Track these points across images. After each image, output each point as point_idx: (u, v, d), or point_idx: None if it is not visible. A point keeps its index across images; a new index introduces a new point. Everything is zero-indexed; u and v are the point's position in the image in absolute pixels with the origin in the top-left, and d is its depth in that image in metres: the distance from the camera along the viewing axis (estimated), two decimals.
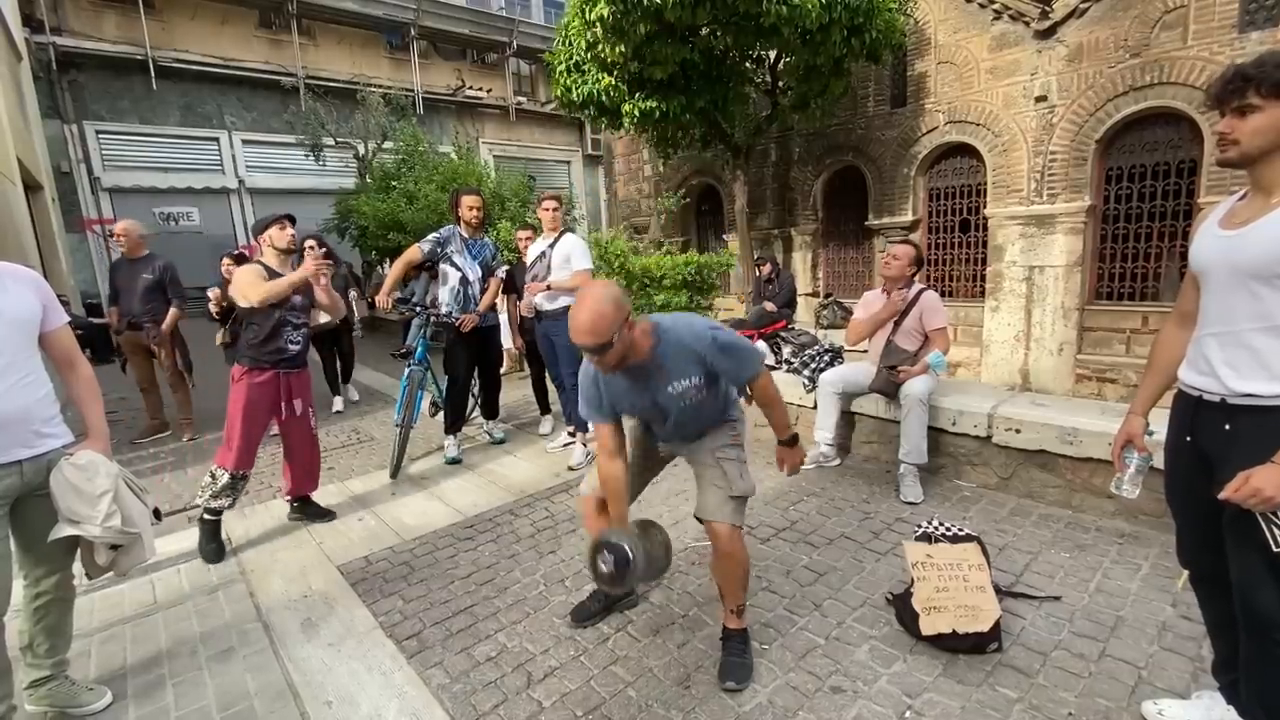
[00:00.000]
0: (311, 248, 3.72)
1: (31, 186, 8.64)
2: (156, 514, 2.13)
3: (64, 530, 1.83)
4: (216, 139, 14.97)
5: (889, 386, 3.48)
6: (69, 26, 13.05)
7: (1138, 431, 1.82)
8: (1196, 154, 5.89)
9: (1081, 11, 6.19)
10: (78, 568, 1.98)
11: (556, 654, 2.18)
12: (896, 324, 3.52)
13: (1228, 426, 1.51)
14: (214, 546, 2.99)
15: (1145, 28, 5.86)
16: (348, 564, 2.90)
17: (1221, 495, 1.38)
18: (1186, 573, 1.78)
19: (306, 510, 3.40)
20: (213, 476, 2.98)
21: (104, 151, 13.61)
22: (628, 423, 2.21)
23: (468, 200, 4.04)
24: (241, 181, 15.30)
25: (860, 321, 3.66)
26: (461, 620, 2.41)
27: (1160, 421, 2.69)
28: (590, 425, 4.09)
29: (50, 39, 12.37)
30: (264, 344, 3.02)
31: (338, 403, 5.92)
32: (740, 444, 2.12)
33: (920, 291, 3.53)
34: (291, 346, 3.10)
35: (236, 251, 5.40)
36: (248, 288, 2.95)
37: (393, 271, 4.08)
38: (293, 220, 3.14)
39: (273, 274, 3.03)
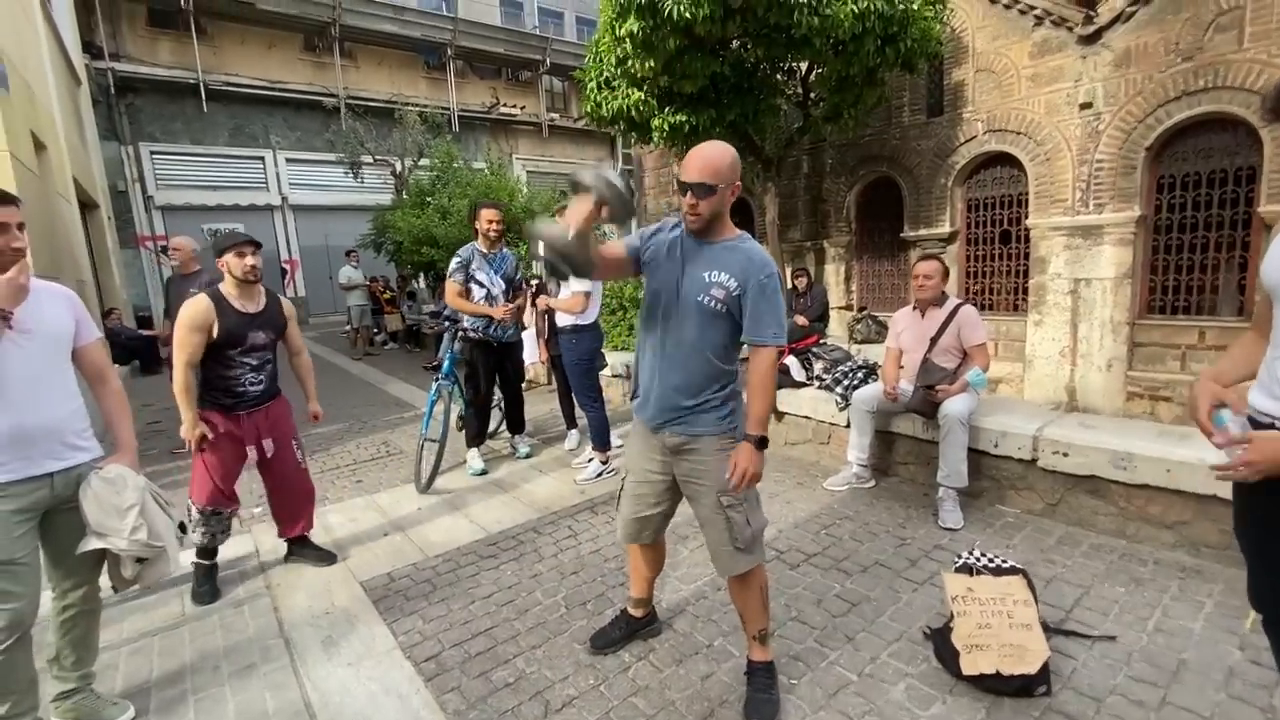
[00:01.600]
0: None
1: (88, 205, 9.05)
2: (182, 527, 2.14)
3: (92, 543, 1.85)
4: (262, 158, 15.57)
5: (926, 406, 3.34)
6: (126, 52, 13.76)
7: (1223, 389, 1.51)
8: (1255, 160, 5.59)
9: (1129, 16, 5.96)
10: (104, 580, 2.00)
11: (576, 682, 2.11)
12: (934, 341, 3.38)
13: None
14: (205, 590, 2.76)
15: (1198, 30, 5.61)
16: (371, 580, 2.89)
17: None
18: (1255, 613, 1.63)
19: (303, 553, 3.08)
20: (187, 510, 2.75)
21: (157, 171, 14.26)
22: (633, 446, 2.08)
23: (487, 214, 4.05)
24: (285, 198, 15.86)
25: (888, 372, 3.55)
26: (481, 642, 2.37)
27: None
28: (609, 443, 4.11)
29: (109, 64, 13.05)
30: (218, 387, 2.71)
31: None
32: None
33: (958, 306, 3.39)
34: (252, 388, 2.76)
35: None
36: (177, 352, 2.59)
37: (468, 308, 4.05)
38: (256, 246, 2.74)
39: (226, 311, 2.64)
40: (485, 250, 4.07)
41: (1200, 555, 2.66)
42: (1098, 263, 6.45)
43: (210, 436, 2.67)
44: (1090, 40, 6.23)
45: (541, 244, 1.69)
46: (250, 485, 2.96)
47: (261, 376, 2.81)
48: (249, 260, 2.68)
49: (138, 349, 9.47)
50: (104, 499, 1.87)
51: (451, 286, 4.00)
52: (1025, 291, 7.18)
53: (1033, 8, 6.59)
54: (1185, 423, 5.85)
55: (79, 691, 2.03)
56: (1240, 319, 5.90)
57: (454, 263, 4.02)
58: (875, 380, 3.91)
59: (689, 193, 1.76)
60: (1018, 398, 7.05)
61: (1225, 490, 2.52)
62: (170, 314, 5.21)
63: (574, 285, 3.89)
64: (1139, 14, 5.91)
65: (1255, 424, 1.52)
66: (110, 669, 2.30)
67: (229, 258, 2.68)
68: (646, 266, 1.92)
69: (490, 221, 4.04)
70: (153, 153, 14.15)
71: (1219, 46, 5.52)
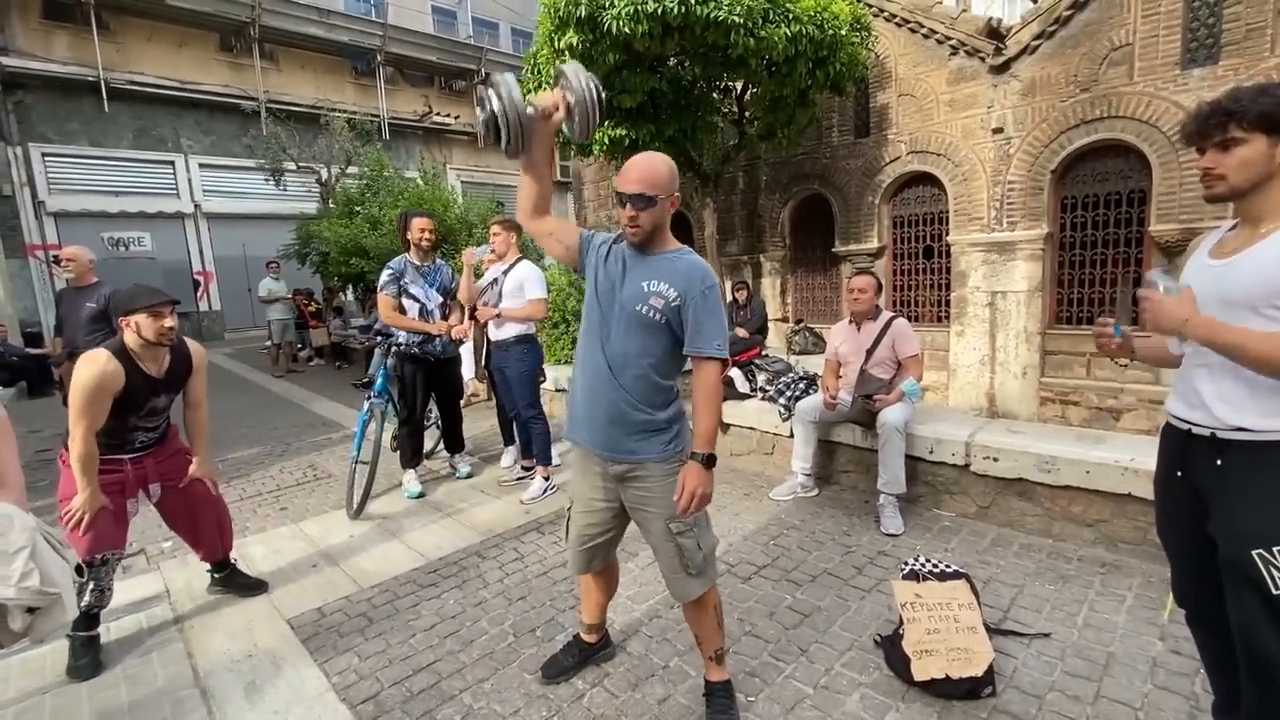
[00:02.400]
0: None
1: None
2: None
3: None
4: (172, 162, 14.56)
5: (865, 415, 3.44)
6: (16, 46, 12.61)
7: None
8: (1146, 184, 6.13)
9: (1033, 49, 6.44)
10: None
11: (527, 715, 2.02)
12: (869, 353, 3.50)
13: (1219, 461, 1.47)
14: (84, 664, 2.34)
15: (1094, 64, 6.12)
16: (298, 616, 2.68)
17: None
18: (1171, 603, 1.73)
19: (230, 583, 2.85)
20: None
21: (50, 174, 13.08)
22: (578, 487, 1.98)
23: (419, 223, 3.90)
24: (198, 206, 14.87)
25: (828, 382, 3.65)
26: (423, 678, 2.23)
27: (1148, 453, 2.71)
28: (551, 459, 4.01)
29: None
30: (101, 438, 2.31)
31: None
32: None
33: (891, 319, 3.52)
34: (140, 440, 2.49)
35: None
36: (77, 421, 2.19)
37: (405, 323, 3.85)
38: (174, 304, 2.37)
39: (133, 374, 2.31)
40: (418, 262, 3.91)
41: (1118, 551, 2.83)
42: (1012, 276, 6.89)
43: (106, 505, 2.33)
44: (1000, 70, 6.69)
45: (497, 95, 1.62)
46: (157, 519, 2.69)
47: (154, 434, 2.54)
48: (166, 322, 2.31)
49: (25, 369, 8.61)
50: None
51: (385, 300, 3.82)
52: (948, 304, 7.58)
53: (949, 38, 7.02)
54: (1093, 424, 6.31)
55: None
56: (1134, 328, 6.42)
57: (385, 275, 3.84)
58: (816, 391, 4.00)
59: (628, 204, 1.72)
60: (944, 404, 7.41)
61: (1139, 489, 2.71)
62: (62, 329, 4.74)
63: (529, 293, 3.79)
64: (1043, 47, 6.39)
65: (1171, 429, 1.62)
66: None
67: (140, 318, 2.27)
68: (586, 269, 1.89)
69: (423, 230, 3.88)
70: (45, 154, 12.97)
71: (1112, 80, 6.04)
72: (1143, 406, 6.21)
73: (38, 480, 4.84)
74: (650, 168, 1.72)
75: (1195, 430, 1.51)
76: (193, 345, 2.60)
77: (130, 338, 2.33)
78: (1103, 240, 6.56)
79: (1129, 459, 2.75)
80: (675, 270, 1.76)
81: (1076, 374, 6.68)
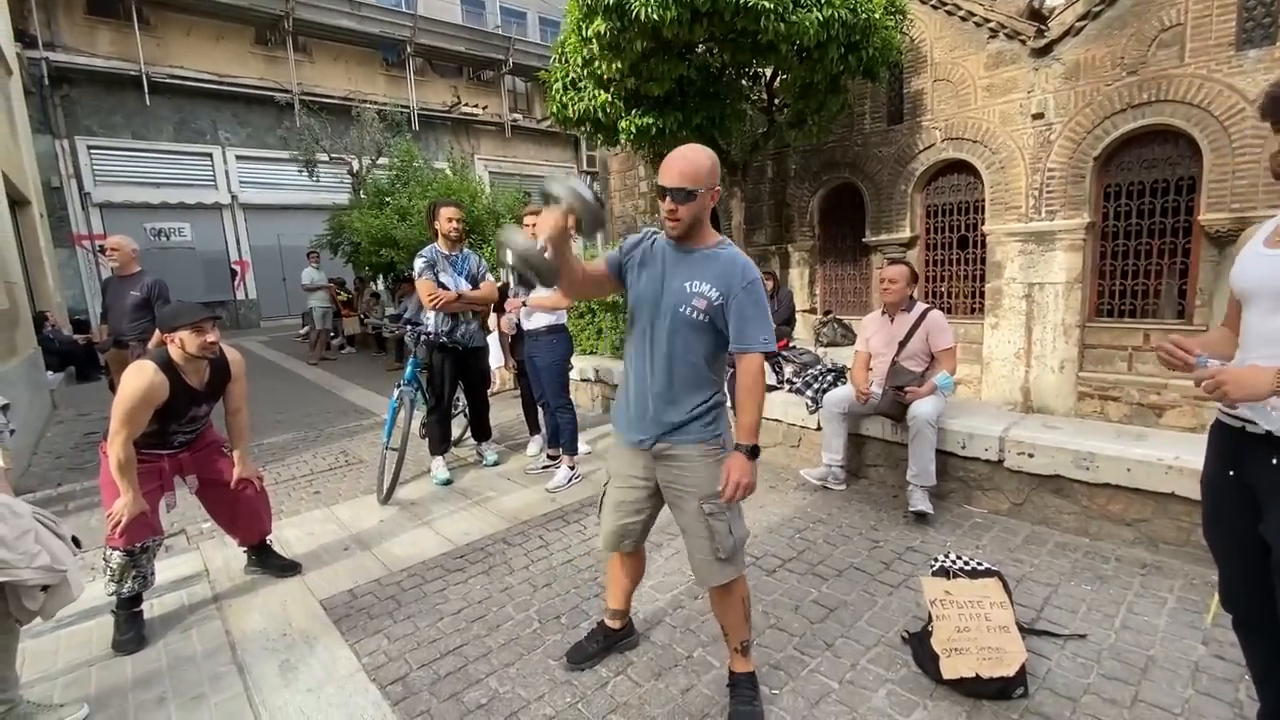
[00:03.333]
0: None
1: (19, 201, 8.50)
2: (76, 542, 1.99)
3: None
4: (210, 154, 14.93)
5: (895, 408, 3.37)
6: (62, 42, 13.02)
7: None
8: (1195, 171, 5.87)
9: (1078, 30, 6.20)
10: None
11: (552, 700, 2.04)
12: (902, 345, 3.42)
13: (1275, 461, 1.40)
14: (129, 638, 2.43)
15: (1142, 46, 5.87)
16: (331, 598, 2.74)
17: None
18: (1215, 607, 1.67)
19: (265, 563, 2.95)
20: (105, 560, 2.45)
21: (95, 166, 13.52)
22: (616, 463, 2.00)
23: (446, 212, 3.91)
24: (234, 197, 15.24)
25: (857, 376, 3.57)
26: (450, 662, 2.26)
27: (1193, 451, 2.61)
28: (578, 449, 4.03)
29: (43, 54, 12.34)
30: (142, 440, 2.42)
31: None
32: (723, 460, 1.84)
33: (926, 311, 3.44)
34: (179, 438, 2.59)
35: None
36: (118, 429, 2.27)
37: (449, 298, 3.87)
38: (215, 319, 2.48)
39: (177, 387, 2.40)
40: (446, 251, 3.94)
41: (1159, 552, 2.74)
42: (1050, 268, 6.68)
43: (145, 509, 2.42)
44: (1042, 53, 6.46)
45: (510, 252, 1.65)
46: (196, 501, 2.77)
47: (192, 436, 2.64)
48: (209, 337, 2.41)
49: (74, 355, 8.96)
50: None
51: (425, 285, 3.85)
52: (982, 295, 7.39)
53: (988, 21, 6.80)
54: (1133, 420, 6.10)
55: (8, 712, 1.88)
56: (1181, 321, 6.19)
57: (419, 263, 3.88)
58: (844, 383, 3.94)
59: (668, 197, 1.71)
60: (976, 398, 7.24)
61: (1183, 488, 2.61)
62: (108, 317, 4.90)
63: None
64: (1087, 29, 6.15)
65: (1222, 426, 1.55)
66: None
67: (184, 334, 2.37)
68: (628, 278, 1.88)
69: (450, 220, 3.90)
70: (90, 147, 13.41)
71: (1161, 62, 5.78)
72: (1187, 403, 5.98)
73: (85, 461, 5.05)
74: (693, 160, 1.71)
75: (1250, 429, 1.44)
76: (231, 354, 2.67)
77: (175, 352, 2.42)
78: (1148, 230, 6.32)
79: (1173, 456, 2.65)
80: (715, 267, 1.76)
81: (1117, 369, 6.47)
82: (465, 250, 4.06)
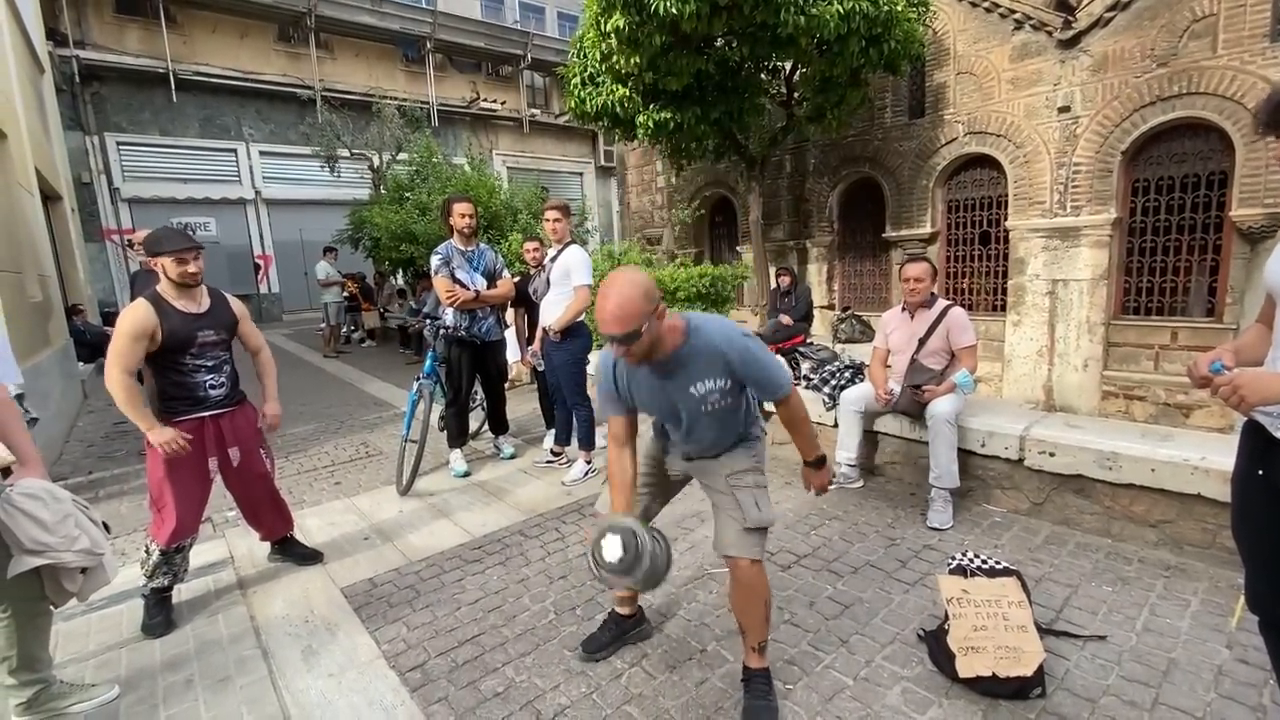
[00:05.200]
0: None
1: (51, 196, 8.72)
2: (105, 528, 2.05)
3: (26, 563, 1.75)
4: (234, 150, 15.18)
5: (913, 407, 3.34)
6: (92, 40, 13.30)
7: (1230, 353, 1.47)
8: (1227, 165, 5.73)
9: (1106, 21, 6.07)
10: None
11: (567, 690, 2.06)
12: (922, 342, 3.39)
13: None
14: (158, 622, 2.50)
15: (1173, 37, 5.73)
16: (351, 586, 2.80)
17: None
18: (1240, 610, 1.63)
19: (288, 552, 3.01)
20: (146, 551, 2.54)
21: (124, 162, 13.82)
22: (642, 444, 2.11)
23: (459, 208, 3.91)
24: (258, 192, 15.49)
25: (875, 374, 3.55)
26: (468, 651, 2.30)
27: (1220, 452, 2.56)
28: (595, 444, 4.06)
29: (74, 52, 12.61)
30: (177, 395, 2.50)
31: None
32: (760, 469, 1.98)
33: (947, 308, 3.39)
34: (213, 392, 2.57)
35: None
36: (113, 360, 2.32)
37: (466, 297, 3.91)
38: (198, 250, 2.48)
39: (169, 313, 2.43)
40: (462, 247, 3.95)
41: (1183, 554, 2.69)
42: (1075, 264, 6.56)
43: (188, 437, 2.44)
44: (1069, 45, 6.33)
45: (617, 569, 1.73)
46: (220, 489, 2.84)
47: (221, 379, 2.60)
48: (189, 268, 2.44)
49: (103, 346, 9.18)
50: (41, 516, 1.77)
51: (442, 283, 3.88)
52: (1004, 292, 7.29)
53: (1013, 11, 6.68)
54: (1159, 420, 5.98)
55: (42, 691, 1.96)
56: (1210, 320, 6.05)
57: (435, 260, 3.91)
58: (862, 380, 3.91)
59: (616, 344, 1.69)
60: (996, 396, 7.15)
61: (1210, 490, 2.56)
62: None
63: (575, 279, 3.81)
64: (1116, 19, 6.02)
65: (1253, 425, 1.52)
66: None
67: (166, 261, 2.42)
68: (644, 410, 1.97)
69: (464, 216, 3.90)
70: (119, 143, 13.71)
71: (1193, 53, 5.65)
72: (1216, 404, 5.85)
73: (114, 451, 5.19)
74: (622, 303, 1.62)
75: (1276, 431, 1.42)
76: (230, 297, 2.72)
77: (163, 282, 2.47)
78: (1177, 226, 6.18)
79: (1199, 458, 2.60)
80: (705, 360, 1.78)
81: (1143, 367, 6.35)
82: (481, 245, 4.08)
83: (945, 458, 3.11)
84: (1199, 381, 1.45)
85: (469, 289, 3.93)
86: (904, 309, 3.52)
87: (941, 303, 3.42)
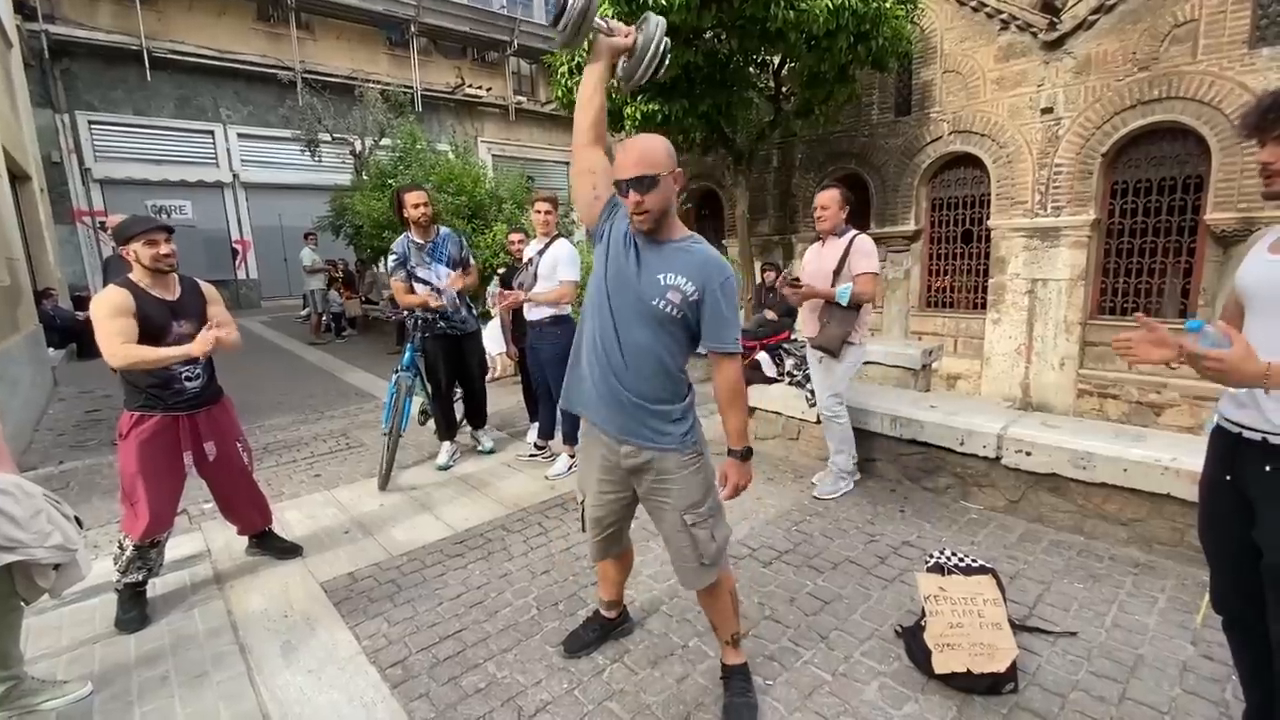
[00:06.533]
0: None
1: (19, 176, 8.46)
2: (78, 521, 2.01)
3: (1, 558, 1.71)
4: (211, 132, 14.79)
5: (834, 343, 3.34)
6: (62, 14, 12.85)
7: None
8: (1204, 170, 5.84)
9: (1090, 24, 6.14)
10: None
11: (549, 687, 2.07)
12: (836, 273, 3.36)
13: (1268, 468, 1.41)
14: (132, 616, 2.46)
15: (1155, 41, 5.81)
16: (331, 581, 2.77)
17: None
18: (1205, 608, 1.69)
19: (267, 545, 2.97)
20: (120, 545, 2.50)
21: (96, 142, 13.41)
22: (595, 451, 1.93)
23: (410, 198, 3.77)
24: (236, 175, 15.13)
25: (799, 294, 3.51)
26: (449, 646, 2.30)
27: (1190, 453, 2.63)
28: (578, 438, 4.04)
29: (43, 27, 12.17)
30: (153, 385, 2.45)
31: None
32: (711, 483, 1.84)
33: (854, 237, 3.36)
34: (188, 384, 2.52)
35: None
36: (109, 341, 2.28)
37: (412, 300, 3.86)
38: (169, 232, 2.45)
39: (144, 299, 2.38)
40: (420, 240, 3.84)
41: (1152, 551, 2.76)
42: (1054, 264, 6.67)
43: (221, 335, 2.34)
44: (1054, 46, 6.40)
45: None
46: (199, 481, 2.79)
47: (197, 369, 2.55)
48: (161, 249, 2.39)
49: (76, 332, 8.95)
50: (12, 512, 1.73)
51: (397, 285, 3.83)
52: (985, 290, 7.39)
53: (1000, 11, 6.72)
54: (1132, 420, 6.12)
55: (13, 688, 1.93)
56: (1183, 321, 6.19)
57: (391, 260, 3.83)
58: None
59: (630, 190, 1.63)
60: (975, 393, 7.27)
61: (1179, 490, 2.63)
62: None
63: (562, 274, 3.77)
64: (1100, 22, 6.09)
65: (1221, 430, 1.56)
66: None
67: (136, 246, 2.37)
68: (598, 236, 1.81)
69: (416, 206, 3.77)
70: (91, 122, 13.29)
71: (1174, 58, 5.74)
72: (1186, 402, 6.01)
73: (87, 440, 5.07)
74: (647, 146, 1.66)
75: (1246, 434, 1.46)
76: (200, 282, 2.65)
77: (135, 269, 2.42)
78: (1153, 228, 6.30)
79: (1170, 458, 2.67)
80: (692, 262, 1.70)
81: (1118, 366, 6.48)
82: (443, 232, 3.95)
83: (832, 444, 3.45)
84: (1157, 352, 1.45)
85: (433, 285, 3.86)
86: (817, 238, 3.53)
87: (851, 232, 3.41)
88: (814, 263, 3.50)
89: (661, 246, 1.73)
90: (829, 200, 3.37)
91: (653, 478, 1.80)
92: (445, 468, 4.05)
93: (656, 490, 1.82)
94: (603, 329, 1.77)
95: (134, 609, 2.49)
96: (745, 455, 1.78)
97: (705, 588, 1.89)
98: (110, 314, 2.30)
